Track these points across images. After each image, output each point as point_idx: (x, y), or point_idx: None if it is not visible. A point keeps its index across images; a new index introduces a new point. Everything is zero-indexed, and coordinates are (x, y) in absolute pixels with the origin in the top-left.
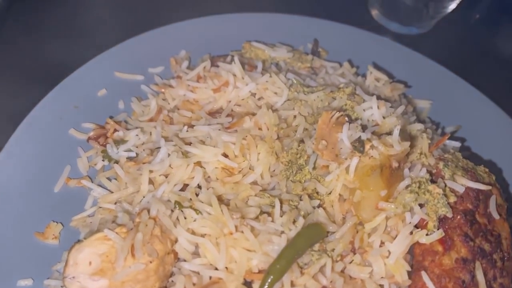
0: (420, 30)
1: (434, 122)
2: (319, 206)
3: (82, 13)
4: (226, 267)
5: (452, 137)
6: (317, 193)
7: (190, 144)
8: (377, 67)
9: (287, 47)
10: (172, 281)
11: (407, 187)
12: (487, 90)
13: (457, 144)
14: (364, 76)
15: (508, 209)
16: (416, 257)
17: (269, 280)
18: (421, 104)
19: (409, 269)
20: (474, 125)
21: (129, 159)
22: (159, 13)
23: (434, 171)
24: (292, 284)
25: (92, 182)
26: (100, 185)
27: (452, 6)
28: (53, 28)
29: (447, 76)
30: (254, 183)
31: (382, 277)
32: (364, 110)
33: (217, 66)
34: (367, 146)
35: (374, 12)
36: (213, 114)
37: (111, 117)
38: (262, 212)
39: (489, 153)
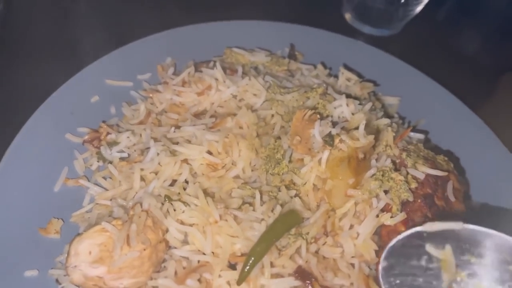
0: (391, 31)
1: (402, 117)
2: (296, 195)
3: (71, 26)
4: (213, 252)
5: (416, 130)
6: (294, 184)
7: (177, 143)
8: (348, 68)
9: (265, 52)
10: (165, 266)
11: (372, 175)
12: (450, 86)
13: (421, 136)
14: (336, 76)
15: (464, 193)
16: (382, 238)
17: (250, 261)
18: (390, 101)
19: (376, 248)
20: (438, 118)
21: (122, 159)
22: (146, 23)
23: (398, 161)
24: (271, 264)
25: (89, 181)
26: (96, 184)
27: (419, 8)
28: (46, 41)
29: (414, 74)
30: (237, 177)
31: (352, 257)
32: (335, 108)
33: (201, 71)
34: (336, 140)
35: (348, 17)
36: (198, 115)
37: (104, 122)
38: (244, 203)
39: (449, 144)
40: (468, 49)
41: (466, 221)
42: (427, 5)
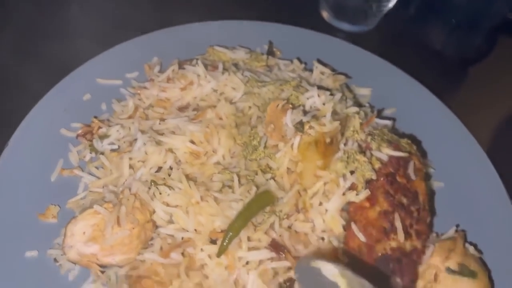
0: (367, 27)
1: (372, 106)
2: (271, 178)
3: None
4: (195, 230)
5: (385, 118)
6: (270, 168)
7: (162, 134)
8: (323, 62)
9: (245, 49)
10: (152, 243)
11: (339, 158)
12: (420, 77)
13: (388, 122)
14: (311, 70)
15: (426, 173)
16: (350, 214)
17: (229, 236)
18: (362, 92)
19: (344, 223)
20: (407, 106)
21: (113, 150)
22: (133, 25)
23: (364, 144)
24: (248, 239)
25: (83, 171)
26: (89, 173)
27: (391, 4)
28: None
29: (385, 67)
30: (217, 163)
31: (322, 231)
32: (307, 98)
33: (184, 69)
34: (306, 127)
35: (325, 15)
36: (182, 109)
37: (95, 117)
38: (224, 186)
39: (416, 129)
40: (436, 43)
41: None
42: (399, 1)
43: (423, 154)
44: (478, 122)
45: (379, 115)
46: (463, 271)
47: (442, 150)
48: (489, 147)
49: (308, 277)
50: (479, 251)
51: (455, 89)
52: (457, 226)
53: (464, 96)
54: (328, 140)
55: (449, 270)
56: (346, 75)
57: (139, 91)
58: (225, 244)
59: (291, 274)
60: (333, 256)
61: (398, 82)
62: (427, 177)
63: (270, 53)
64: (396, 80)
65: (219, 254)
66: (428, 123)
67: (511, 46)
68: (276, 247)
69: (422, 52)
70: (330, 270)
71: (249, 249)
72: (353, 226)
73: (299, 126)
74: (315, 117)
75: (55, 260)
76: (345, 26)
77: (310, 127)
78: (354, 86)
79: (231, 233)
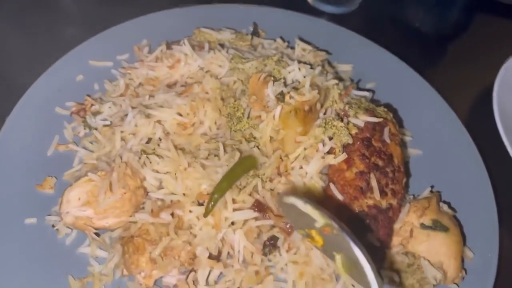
0: (349, 8)
1: (352, 79)
2: (255, 146)
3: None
4: (184, 193)
5: (364, 89)
6: (254, 137)
7: (151, 108)
8: (304, 40)
9: (230, 30)
10: (143, 207)
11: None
12: (400, 54)
13: (366, 93)
14: (293, 48)
15: (402, 141)
16: (329, 176)
17: (214, 197)
18: (344, 68)
19: (323, 184)
20: (386, 80)
21: (105, 126)
22: (123, 10)
23: (342, 113)
24: (233, 201)
25: (77, 146)
26: (84, 148)
27: None
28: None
29: (366, 44)
30: (204, 134)
31: (303, 193)
32: (289, 72)
33: (172, 49)
34: (287, 97)
35: None
36: (170, 86)
37: (88, 95)
38: (210, 154)
39: (395, 100)
40: (416, 21)
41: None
42: None
43: (399, 122)
44: (456, 96)
45: (358, 87)
46: (436, 226)
47: (420, 120)
48: (467, 119)
49: (288, 209)
50: (453, 209)
51: (434, 65)
52: (432, 187)
53: (443, 71)
54: (307, 108)
55: (423, 226)
56: (327, 51)
57: (129, 71)
58: (211, 205)
59: (274, 232)
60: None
61: (378, 58)
62: (404, 145)
63: (255, 33)
64: (376, 56)
65: (205, 215)
66: (407, 96)
67: (487, 23)
68: (260, 207)
69: (402, 30)
70: (301, 206)
71: (234, 209)
72: (332, 186)
73: (280, 97)
74: (295, 88)
75: (53, 225)
76: (329, 8)
77: (291, 97)
78: (336, 63)
79: (216, 195)
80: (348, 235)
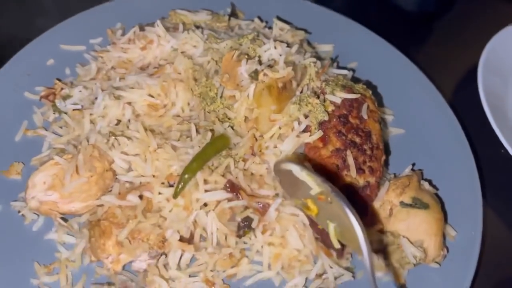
0: None
1: (333, 59)
2: (229, 127)
3: None
4: (153, 175)
5: (343, 68)
6: (228, 118)
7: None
8: (284, 20)
9: (207, 11)
10: (111, 190)
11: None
12: (383, 34)
13: (345, 72)
14: (271, 28)
15: (383, 119)
16: (305, 155)
17: (184, 177)
18: (324, 48)
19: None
20: (368, 59)
21: (75, 110)
22: None
23: (319, 91)
24: (205, 182)
25: (47, 131)
26: (53, 133)
27: None
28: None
29: (347, 23)
30: (177, 115)
31: None
32: (265, 51)
33: (144, 30)
34: (261, 75)
35: None
36: (143, 69)
37: (58, 79)
38: (182, 135)
39: (377, 80)
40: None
41: None
42: None
43: (380, 100)
44: (441, 75)
45: (338, 66)
46: (416, 204)
47: (403, 99)
48: (451, 97)
49: (284, 178)
50: (435, 187)
51: (419, 44)
52: (413, 165)
53: (427, 50)
54: (281, 85)
55: (403, 204)
56: (306, 31)
57: (101, 55)
58: (181, 185)
59: (248, 213)
60: None
61: (360, 37)
62: (385, 124)
63: (233, 15)
64: (357, 36)
65: (175, 196)
66: (390, 75)
67: (472, 1)
68: (232, 187)
69: (385, 9)
70: (297, 171)
71: (206, 190)
72: (307, 164)
73: (254, 75)
74: (270, 66)
75: (19, 211)
76: None
77: (265, 74)
78: (317, 44)
79: (186, 175)
80: (343, 200)
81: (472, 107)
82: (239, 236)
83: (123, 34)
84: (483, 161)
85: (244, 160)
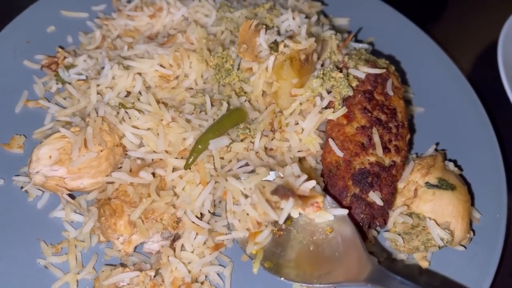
0: None
1: (351, 31)
2: (246, 101)
3: None
4: (166, 151)
5: (362, 42)
6: (244, 92)
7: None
8: None
9: None
10: (121, 167)
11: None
12: (397, 5)
13: (366, 46)
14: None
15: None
16: (327, 132)
17: (198, 147)
18: (340, 21)
19: (321, 141)
20: (386, 34)
21: (80, 80)
22: None
23: (341, 65)
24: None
25: (49, 102)
26: (56, 104)
27: None
28: None
29: None
30: (190, 88)
31: (299, 151)
32: (282, 22)
33: None
34: (281, 46)
35: None
36: (151, 38)
37: (61, 47)
38: (196, 108)
39: (394, 54)
40: None
41: None
42: None
43: (402, 75)
44: (459, 51)
45: (357, 39)
46: (442, 185)
47: (422, 76)
48: (470, 74)
49: None
50: (459, 168)
51: (435, 19)
52: (437, 144)
53: (444, 26)
54: (303, 57)
55: (428, 185)
56: (322, 2)
57: (106, 22)
58: (194, 155)
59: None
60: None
61: (376, 11)
62: (406, 102)
63: None
64: (374, 9)
65: (186, 166)
66: (408, 51)
67: None
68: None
69: None
70: None
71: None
72: (331, 141)
73: (274, 46)
74: (290, 37)
75: (21, 187)
76: None
77: (285, 46)
78: (332, 17)
79: (200, 145)
80: None
81: (492, 83)
82: None
83: (129, 1)
84: (505, 139)
85: (263, 136)
